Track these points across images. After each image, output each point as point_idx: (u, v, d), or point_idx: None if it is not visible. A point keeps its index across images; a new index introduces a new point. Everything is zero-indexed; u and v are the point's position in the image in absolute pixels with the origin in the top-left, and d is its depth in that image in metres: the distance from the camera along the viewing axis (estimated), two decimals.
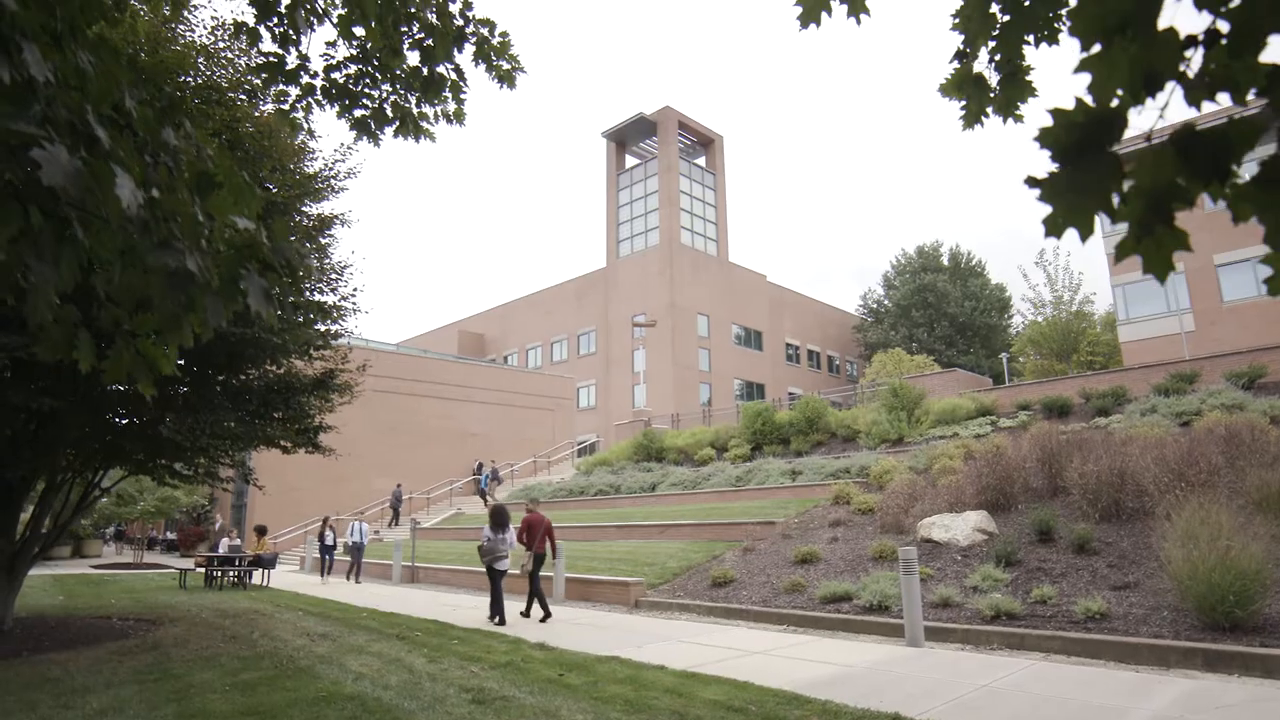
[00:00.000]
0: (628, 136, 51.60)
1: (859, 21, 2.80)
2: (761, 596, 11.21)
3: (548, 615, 10.70)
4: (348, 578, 18.96)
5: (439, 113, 5.68)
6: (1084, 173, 1.16)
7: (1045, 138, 1.19)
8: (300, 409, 10.74)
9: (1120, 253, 1.24)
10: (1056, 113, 1.18)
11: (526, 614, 11.01)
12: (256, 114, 9.54)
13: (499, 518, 10.92)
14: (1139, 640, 7.37)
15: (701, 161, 52.54)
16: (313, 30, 5.09)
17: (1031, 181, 1.22)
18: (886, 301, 56.35)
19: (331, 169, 10.84)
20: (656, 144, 49.97)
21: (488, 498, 30.48)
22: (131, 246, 2.16)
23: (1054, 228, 1.18)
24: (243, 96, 9.32)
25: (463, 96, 5.45)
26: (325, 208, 10.99)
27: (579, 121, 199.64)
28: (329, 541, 19.40)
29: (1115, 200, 1.18)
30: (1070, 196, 1.16)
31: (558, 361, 52.08)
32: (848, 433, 21.67)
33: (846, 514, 14.29)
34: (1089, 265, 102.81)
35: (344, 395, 11.39)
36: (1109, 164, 1.15)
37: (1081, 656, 7.53)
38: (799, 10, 2.75)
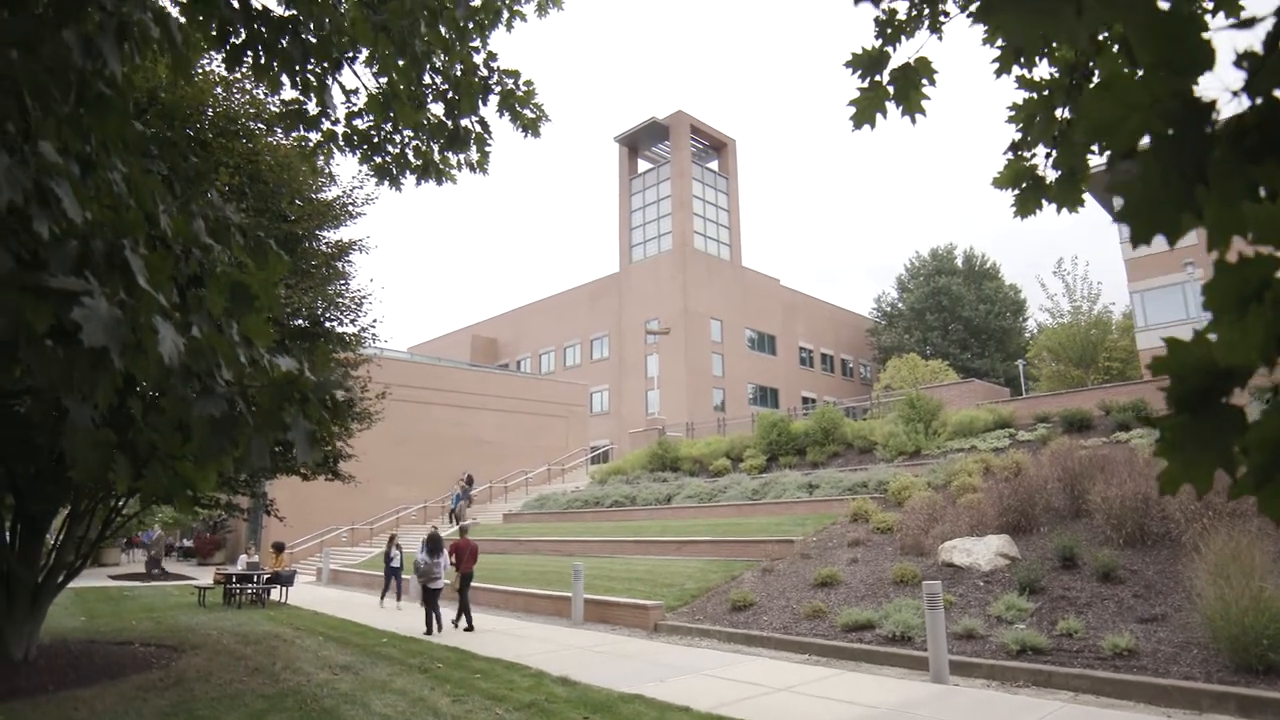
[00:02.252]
0: (640, 141, 51.53)
1: (914, 121, 2.72)
2: (782, 622, 11.11)
3: (471, 627, 12.30)
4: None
5: (461, 160, 5.62)
6: (1204, 426, 1.09)
7: (1159, 368, 1.12)
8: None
9: (1235, 492, 1.17)
10: (1173, 344, 1.11)
11: (455, 623, 12.56)
12: (275, 143, 9.52)
13: (433, 544, 12.56)
14: (1170, 682, 7.24)
15: (714, 165, 52.38)
16: (334, 79, 5.05)
17: (1146, 421, 1.15)
18: (900, 305, 56.03)
19: (349, 195, 10.82)
20: (669, 148, 49.86)
21: (455, 518, 27.84)
22: (170, 377, 2.10)
23: (1169, 484, 1.11)
24: (260, 126, 9.29)
25: (487, 148, 5.39)
26: (343, 233, 10.97)
27: (591, 125, 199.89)
28: (395, 562, 17.27)
29: (1235, 449, 1.11)
30: (1189, 452, 1.09)
31: (570, 366, 52.03)
32: (864, 444, 21.49)
33: (865, 533, 14.16)
34: (1105, 270, 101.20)
35: (363, 423, 11.38)
36: (1232, 419, 1.08)
37: (1111, 697, 7.40)
38: (851, 111, 2.66)
